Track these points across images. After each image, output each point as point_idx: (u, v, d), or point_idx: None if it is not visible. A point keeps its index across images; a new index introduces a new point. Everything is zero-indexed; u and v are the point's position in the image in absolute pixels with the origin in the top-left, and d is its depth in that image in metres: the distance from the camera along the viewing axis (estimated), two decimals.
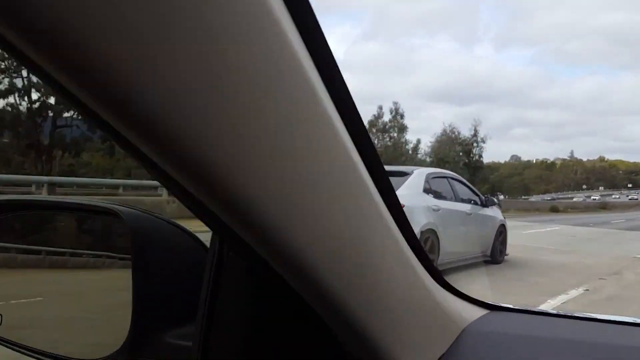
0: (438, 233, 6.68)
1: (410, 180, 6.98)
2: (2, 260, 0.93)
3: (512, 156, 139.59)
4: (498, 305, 0.78)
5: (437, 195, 7.18)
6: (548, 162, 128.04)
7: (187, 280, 0.64)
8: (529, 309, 0.80)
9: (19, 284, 0.87)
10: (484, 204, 8.30)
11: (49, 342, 0.75)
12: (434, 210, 6.77)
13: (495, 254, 8.25)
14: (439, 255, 6.74)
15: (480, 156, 48.09)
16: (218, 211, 0.37)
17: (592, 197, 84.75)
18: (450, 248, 6.92)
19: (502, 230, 8.56)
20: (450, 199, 7.50)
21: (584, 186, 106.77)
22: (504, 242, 8.60)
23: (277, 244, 0.39)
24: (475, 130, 47.75)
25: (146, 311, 0.62)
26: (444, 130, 49.42)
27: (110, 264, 0.79)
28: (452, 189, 7.71)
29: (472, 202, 8.16)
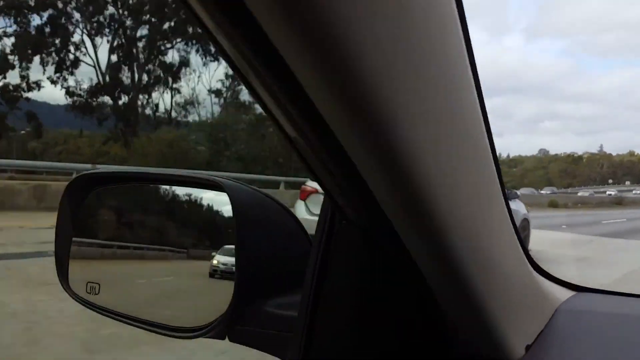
0: None
1: None
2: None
3: (540, 150, 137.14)
4: (584, 287, 0.81)
5: None
6: (575, 155, 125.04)
7: (284, 251, 0.67)
8: (613, 290, 0.82)
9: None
10: (506, 197, 8.10)
11: (162, 315, 0.78)
12: None
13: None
14: None
15: None
16: (386, 196, 0.43)
17: (607, 192, 73.95)
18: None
19: (525, 225, 8.10)
20: None
21: (610, 180, 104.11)
22: (527, 238, 8.15)
23: (430, 227, 0.43)
24: None
25: (248, 280, 0.64)
26: None
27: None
28: None
29: None
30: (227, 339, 0.66)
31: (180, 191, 0.84)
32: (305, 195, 7.03)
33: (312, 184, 6.97)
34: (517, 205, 8.27)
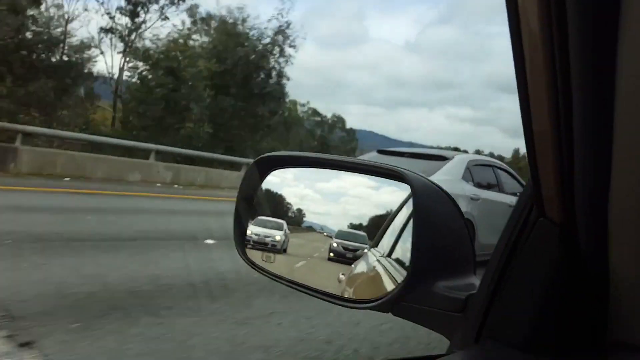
0: (475, 224, 6.37)
1: (449, 165, 6.53)
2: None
3: None
4: None
5: (478, 184, 6.68)
6: None
7: (451, 240, 0.76)
8: None
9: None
10: None
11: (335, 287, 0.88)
12: (472, 199, 6.43)
13: None
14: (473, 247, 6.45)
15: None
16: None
17: None
18: (486, 240, 6.62)
19: None
20: (493, 189, 6.97)
21: None
22: None
23: None
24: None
25: (420, 263, 0.71)
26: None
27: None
28: (497, 178, 7.17)
29: (517, 193, 7.66)
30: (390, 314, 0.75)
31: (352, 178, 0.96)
32: None
33: None
34: None
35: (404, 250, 0.77)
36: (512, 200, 7.14)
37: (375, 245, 1.02)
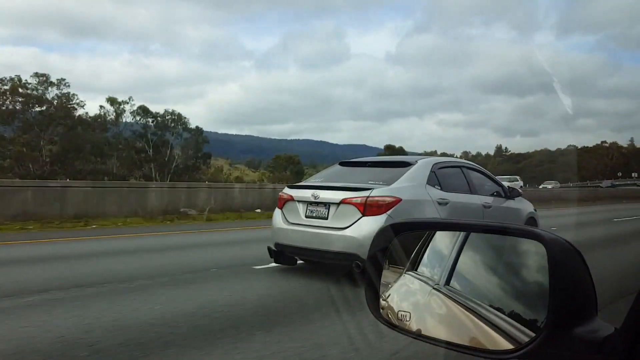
0: None
1: (412, 171, 6.38)
2: None
3: (569, 146, 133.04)
4: None
5: (446, 187, 6.53)
6: (588, 147, 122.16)
7: (580, 285, 0.82)
8: None
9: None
10: (508, 196, 7.63)
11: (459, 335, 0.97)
12: (440, 204, 6.29)
13: None
14: None
15: None
16: None
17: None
18: None
19: (530, 224, 7.86)
20: (464, 191, 6.82)
21: (619, 173, 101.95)
22: None
23: None
24: None
25: (559, 312, 0.81)
26: None
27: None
28: (467, 180, 7.01)
29: (495, 193, 7.47)
30: None
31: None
32: (282, 204, 6.64)
33: (288, 191, 6.62)
34: (520, 204, 7.85)
35: (487, 288, 0.96)
36: (486, 200, 6.96)
37: (413, 268, 1.14)
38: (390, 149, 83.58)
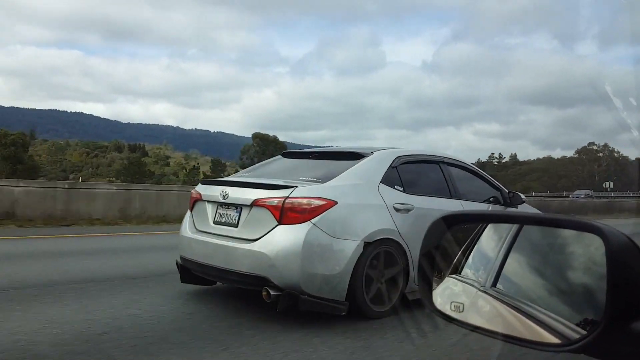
0: (406, 244, 4.41)
1: (360, 166, 4.61)
2: None
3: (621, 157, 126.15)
4: None
5: (412, 189, 4.76)
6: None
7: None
8: None
9: None
10: (508, 203, 5.71)
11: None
12: (398, 210, 4.51)
13: None
14: (406, 277, 4.47)
15: None
16: None
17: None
18: None
19: None
20: (441, 195, 5.03)
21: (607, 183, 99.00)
22: None
23: None
24: None
25: (616, 307, 0.80)
26: None
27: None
28: (446, 179, 5.18)
29: (491, 199, 5.59)
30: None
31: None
32: (192, 204, 4.82)
33: (199, 188, 4.79)
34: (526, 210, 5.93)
35: (537, 286, 0.98)
36: (471, 207, 5.11)
37: (456, 271, 1.16)
38: None
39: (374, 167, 4.63)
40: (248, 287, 4.16)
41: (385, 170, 4.64)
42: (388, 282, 4.37)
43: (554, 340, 0.88)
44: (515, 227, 1.07)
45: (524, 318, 0.95)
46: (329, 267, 3.94)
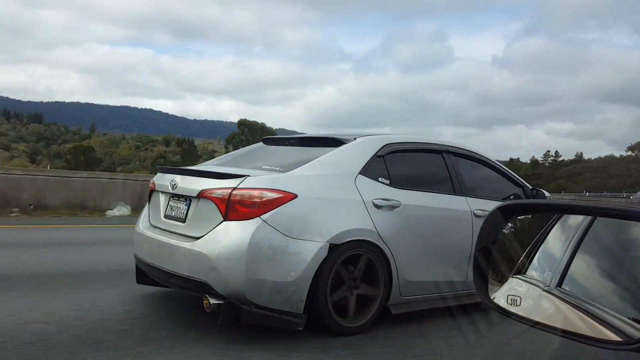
0: (388, 248, 3.69)
1: (335, 154, 3.87)
2: None
3: None
4: None
5: (403, 182, 3.99)
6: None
7: None
8: None
9: None
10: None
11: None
12: (379, 207, 3.79)
13: None
14: (388, 286, 3.75)
15: None
16: None
17: None
18: (416, 276, 3.93)
19: None
20: (442, 190, 4.26)
21: None
22: None
23: None
24: None
25: None
26: None
27: None
28: (449, 172, 4.34)
29: (511, 197, 4.75)
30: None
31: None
32: (149, 195, 4.27)
33: (155, 177, 4.22)
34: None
35: (602, 287, 0.96)
36: (482, 206, 4.32)
37: (521, 272, 1.09)
38: None
39: (353, 155, 3.92)
40: (191, 293, 3.55)
41: (368, 159, 3.91)
42: (363, 292, 3.67)
43: (615, 338, 0.88)
44: (583, 225, 1.03)
45: (585, 316, 0.94)
46: (281, 273, 3.27)
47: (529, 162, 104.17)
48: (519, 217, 1.12)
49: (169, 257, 3.56)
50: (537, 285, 1.06)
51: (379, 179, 3.90)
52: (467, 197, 4.35)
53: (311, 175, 3.63)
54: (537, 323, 0.99)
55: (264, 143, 4.76)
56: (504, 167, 4.95)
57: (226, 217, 3.30)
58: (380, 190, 3.83)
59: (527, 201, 1.18)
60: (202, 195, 3.47)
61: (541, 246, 1.09)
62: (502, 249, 1.11)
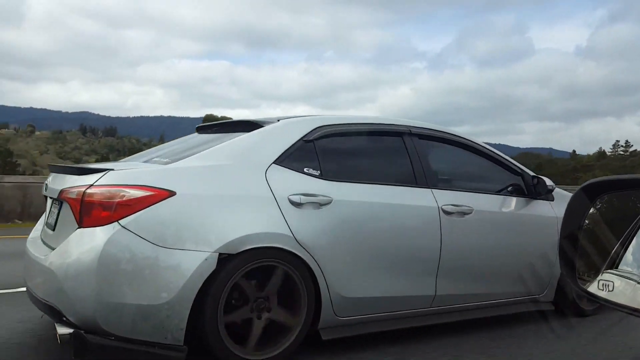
0: (313, 258, 2.88)
1: (241, 140, 3.14)
2: None
3: None
4: None
5: (339, 172, 3.15)
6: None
7: None
8: None
9: None
10: (533, 192, 3.83)
11: None
12: (296, 204, 2.96)
13: (566, 295, 3.90)
14: (314, 307, 2.94)
15: None
16: None
17: None
18: (365, 290, 3.10)
19: None
20: (398, 181, 3.34)
21: None
22: None
23: None
24: None
25: None
26: None
27: None
28: (411, 159, 3.40)
29: (509, 188, 3.81)
30: None
31: None
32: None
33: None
34: (550, 209, 4.01)
35: None
36: (453, 201, 3.40)
37: (613, 266, 1.01)
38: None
39: (267, 141, 3.11)
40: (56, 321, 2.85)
41: (290, 145, 3.10)
42: (276, 314, 2.86)
43: None
44: None
45: None
46: (148, 294, 2.52)
47: (592, 154, 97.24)
48: (608, 198, 1.02)
49: (32, 276, 2.91)
50: (632, 279, 0.96)
51: (305, 169, 3.08)
52: (434, 190, 3.43)
53: (201, 166, 2.87)
54: (636, 310, 0.93)
55: (197, 132, 4.03)
56: (496, 152, 3.95)
57: (80, 223, 2.60)
58: (303, 183, 3.00)
59: (616, 177, 0.85)
60: (61, 196, 2.79)
61: (636, 236, 0.96)
62: (589, 236, 1.03)
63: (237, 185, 2.86)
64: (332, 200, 3.01)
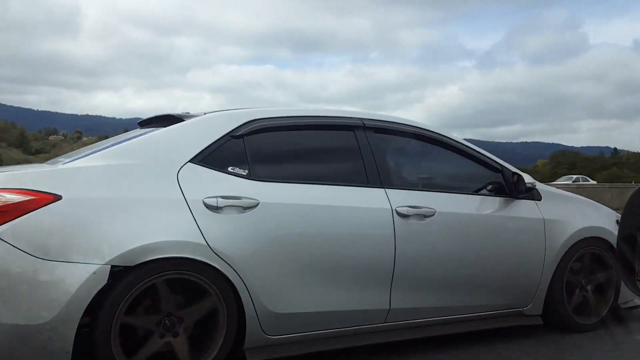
0: (234, 269, 2.52)
1: (153, 136, 2.84)
2: None
3: None
4: None
5: (273, 171, 2.83)
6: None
7: None
8: None
9: None
10: (514, 191, 3.32)
11: None
12: (212, 207, 2.57)
13: (557, 307, 3.44)
14: (234, 325, 2.58)
15: None
16: None
17: None
18: (301, 304, 2.73)
19: (583, 254, 3.49)
20: (346, 180, 2.96)
21: None
22: (594, 281, 3.58)
23: None
24: None
25: None
26: None
27: None
28: (363, 156, 3.01)
29: (489, 187, 3.33)
30: None
31: None
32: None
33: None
34: (537, 210, 3.50)
35: None
36: (414, 200, 2.98)
37: None
38: None
39: (184, 136, 2.76)
40: None
41: (212, 141, 2.73)
42: (192, 332, 2.52)
43: None
44: None
45: None
46: (26, 313, 2.22)
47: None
48: None
49: None
50: None
51: (230, 168, 2.72)
52: (388, 189, 3.00)
53: (99, 166, 2.55)
54: None
55: (139, 126, 3.70)
56: (471, 146, 3.48)
57: None
58: (225, 184, 2.64)
59: None
60: None
61: None
62: None
63: (140, 188, 2.52)
64: (258, 203, 2.64)
